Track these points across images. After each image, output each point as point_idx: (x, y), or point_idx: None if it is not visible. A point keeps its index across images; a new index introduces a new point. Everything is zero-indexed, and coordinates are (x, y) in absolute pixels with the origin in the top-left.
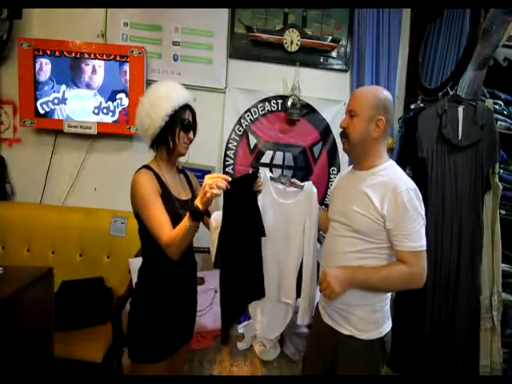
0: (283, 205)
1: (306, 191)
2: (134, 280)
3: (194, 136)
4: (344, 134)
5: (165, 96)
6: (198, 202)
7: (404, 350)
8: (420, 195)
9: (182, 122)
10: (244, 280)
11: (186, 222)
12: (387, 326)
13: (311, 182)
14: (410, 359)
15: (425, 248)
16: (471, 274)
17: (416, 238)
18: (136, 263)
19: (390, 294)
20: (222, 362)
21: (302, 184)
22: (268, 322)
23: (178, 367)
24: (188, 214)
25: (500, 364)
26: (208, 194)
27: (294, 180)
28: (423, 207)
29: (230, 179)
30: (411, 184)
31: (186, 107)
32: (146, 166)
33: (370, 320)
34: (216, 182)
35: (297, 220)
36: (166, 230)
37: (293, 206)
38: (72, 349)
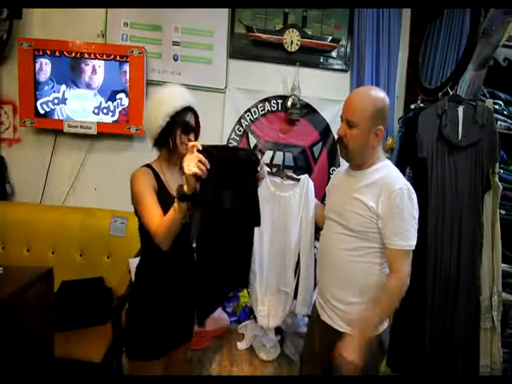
0: (281, 197)
1: (302, 184)
2: None
3: (196, 139)
4: (341, 143)
5: (167, 97)
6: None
7: (404, 350)
8: (414, 196)
9: (182, 123)
10: (225, 264)
11: (174, 205)
12: (384, 324)
13: (307, 175)
14: (410, 359)
15: (412, 248)
16: (471, 274)
17: (405, 238)
18: (136, 263)
19: None
20: (222, 361)
21: (298, 177)
22: (268, 311)
23: (177, 368)
24: (176, 195)
25: (500, 364)
26: (188, 172)
27: (290, 173)
28: (416, 208)
29: (208, 166)
30: (405, 184)
31: (189, 110)
32: (146, 165)
33: None
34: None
35: (294, 212)
36: (156, 219)
37: (290, 199)
38: (72, 349)
